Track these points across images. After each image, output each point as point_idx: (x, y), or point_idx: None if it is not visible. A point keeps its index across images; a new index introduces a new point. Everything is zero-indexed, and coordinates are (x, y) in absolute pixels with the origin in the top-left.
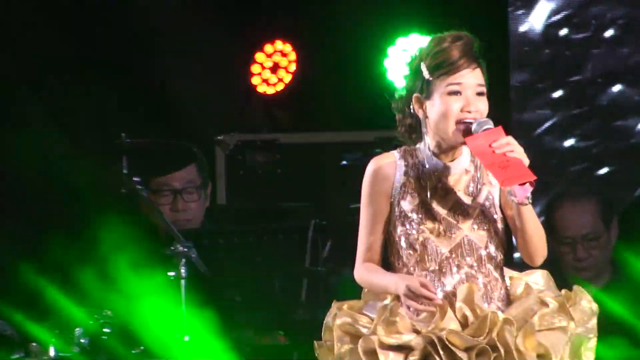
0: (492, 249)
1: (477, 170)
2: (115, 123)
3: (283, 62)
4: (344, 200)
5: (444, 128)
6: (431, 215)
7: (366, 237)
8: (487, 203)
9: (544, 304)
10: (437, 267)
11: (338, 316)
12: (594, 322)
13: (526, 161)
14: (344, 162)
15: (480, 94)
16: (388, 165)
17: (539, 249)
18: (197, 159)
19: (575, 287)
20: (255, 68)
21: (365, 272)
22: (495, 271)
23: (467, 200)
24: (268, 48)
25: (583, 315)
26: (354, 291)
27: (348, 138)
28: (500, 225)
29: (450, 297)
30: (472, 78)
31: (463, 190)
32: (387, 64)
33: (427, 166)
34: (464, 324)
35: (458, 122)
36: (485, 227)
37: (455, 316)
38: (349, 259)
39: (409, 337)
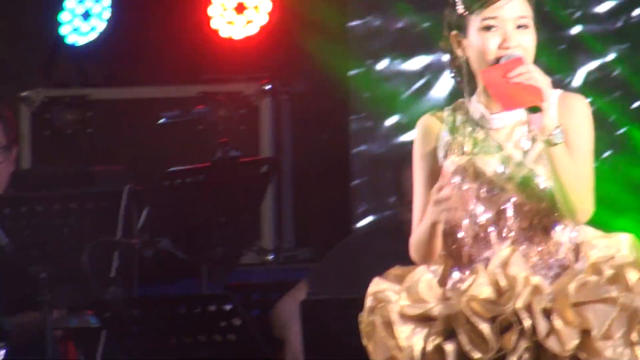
0: (545, 212)
1: (526, 123)
2: None
3: (96, 7)
4: (162, 163)
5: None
6: (474, 176)
7: (419, 203)
8: (542, 159)
9: (597, 272)
10: (482, 234)
11: (375, 283)
12: None
13: (547, 89)
14: (161, 120)
15: (522, 26)
16: (434, 123)
17: (576, 200)
18: (3, 119)
19: None
20: (65, 15)
21: (413, 236)
22: (549, 236)
23: (518, 156)
24: None
25: None
26: (172, 265)
27: (167, 94)
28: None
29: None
30: (510, 9)
31: (514, 145)
32: (211, 11)
33: (476, 118)
34: (498, 290)
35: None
36: (542, 185)
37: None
38: (165, 228)
39: (433, 306)
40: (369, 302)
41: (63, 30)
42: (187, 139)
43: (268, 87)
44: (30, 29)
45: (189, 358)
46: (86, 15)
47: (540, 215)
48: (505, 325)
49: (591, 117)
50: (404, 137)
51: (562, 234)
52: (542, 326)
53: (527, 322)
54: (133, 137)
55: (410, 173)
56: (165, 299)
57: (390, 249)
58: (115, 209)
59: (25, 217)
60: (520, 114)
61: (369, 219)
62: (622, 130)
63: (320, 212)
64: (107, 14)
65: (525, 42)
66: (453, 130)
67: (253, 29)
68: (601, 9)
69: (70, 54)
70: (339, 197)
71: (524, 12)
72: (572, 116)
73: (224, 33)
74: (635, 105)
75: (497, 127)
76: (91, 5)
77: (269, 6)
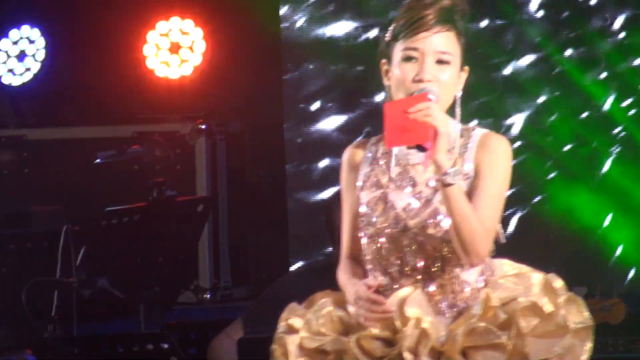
0: (448, 249)
1: (450, 159)
2: None
3: (31, 49)
4: (99, 202)
5: None
6: (385, 210)
7: (347, 231)
8: None
9: (490, 316)
10: (390, 269)
11: (288, 309)
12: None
13: (442, 129)
14: (98, 160)
15: (442, 61)
16: (357, 153)
17: (467, 243)
18: None
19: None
20: (0, 56)
21: (341, 273)
22: (453, 274)
23: (428, 193)
24: (14, 34)
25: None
26: (108, 304)
27: (103, 134)
28: None
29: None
30: (432, 43)
31: (425, 183)
32: (146, 51)
33: (394, 151)
34: (393, 330)
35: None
36: (445, 225)
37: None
38: (103, 268)
39: (327, 341)
40: (279, 328)
41: None
42: (124, 178)
43: (203, 126)
44: None
45: None
46: (21, 57)
47: (442, 254)
48: None
49: (509, 159)
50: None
51: (469, 273)
52: None
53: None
54: (70, 177)
55: (339, 212)
56: (104, 337)
57: (323, 287)
58: (53, 249)
59: None
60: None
61: (304, 259)
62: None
63: (256, 250)
64: (42, 55)
65: (443, 78)
66: (373, 162)
67: (188, 69)
68: (531, 57)
69: (5, 95)
70: (275, 236)
71: (448, 48)
72: (488, 156)
73: (159, 72)
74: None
75: (413, 163)
76: (26, 47)
77: (202, 46)
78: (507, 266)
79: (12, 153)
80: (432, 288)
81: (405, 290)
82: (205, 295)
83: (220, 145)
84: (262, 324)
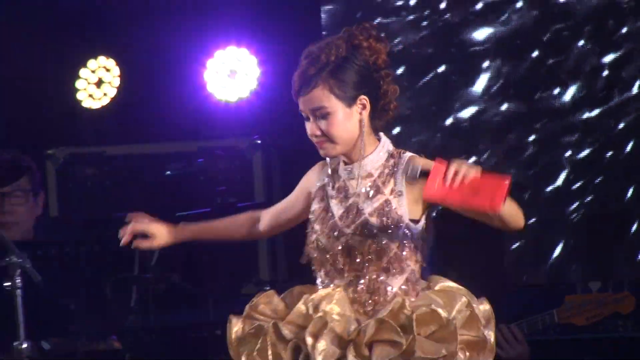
0: (375, 255)
1: (380, 176)
2: None
3: (107, 77)
4: (169, 208)
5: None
6: (325, 218)
7: (277, 206)
8: (381, 211)
9: (395, 318)
10: (328, 269)
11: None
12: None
13: (478, 174)
14: (168, 172)
15: (320, 116)
16: (318, 168)
17: (519, 225)
18: (29, 171)
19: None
20: (80, 83)
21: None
22: (379, 278)
23: (360, 205)
24: (92, 64)
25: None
26: (181, 297)
27: (172, 149)
28: (395, 233)
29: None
30: (306, 103)
31: (361, 196)
32: (207, 77)
33: (338, 170)
34: (308, 318)
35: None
36: (370, 233)
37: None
38: (176, 265)
39: (259, 323)
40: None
41: (80, 96)
42: (191, 188)
43: (259, 142)
44: (52, 94)
45: None
46: (99, 83)
47: (369, 259)
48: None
49: None
50: None
51: (394, 279)
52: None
53: (309, 342)
54: (144, 187)
55: None
56: (178, 326)
57: None
58: (132, 250)
59: (56, 257)
60: (366, 166)
61: None
62: None
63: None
64: (117, 82)
65: (323, 128)
66: (326, 178)
67: (244, 92)
68: None
69: (86, 117)
70: None
71: (318, 103)
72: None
73: (219, 96)
74: None
75: (350, 177)
76: (103, 75)
77: (257, 72)
78: (440, 282)
79: (94, 167)
80: (360, 287)
81: (328, 289)
82: (265, 287)
83: (274, 157)
84: None
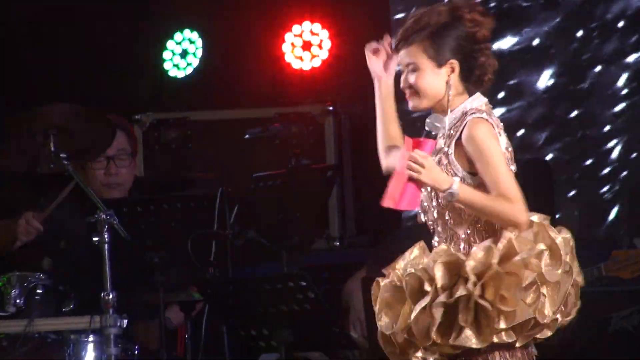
0: (440, 213)
1: (449, 136)
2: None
3: (191, 48)
4: (248, 169)
5: None
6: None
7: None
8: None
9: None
10: (431, 226)
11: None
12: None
13: (423, 177)
14: (247, 136)
15: (411, 70)
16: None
17: (504, 220)
18: (125, 129)
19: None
20: (166, 54)
21: None
22: (444, 234)
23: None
24: (177, 36)
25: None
26: (257, 251)
27: (250, 115)
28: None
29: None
30: (403, 57)
31: (440, 152)
32: (284, 48)
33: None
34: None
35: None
36: (434, 194)
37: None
38: (252, 222)
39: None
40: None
41: (166, 66)
42: (267, 150)
43: (330, 108)
44: (141, 64)
45: (274, 327)
46: (184, 54)
47: (450, 220)
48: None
49: (487, 137)
50: None
51: (459, 229)
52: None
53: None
54: (224, 150)
55: None
56: (254, 278)
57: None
58: (211, 207)
59: (141, 215)
60: (445, 124)
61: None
62: None
63: (376, 207)
64: (200, 53)
65: (411, 81)
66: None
67: (317, 62)
68: None
69: (172, 85)
70: None
71: (411, 58)
72: (468, 145)
73: (295, 65)
74: None
75: (439, 135)
76: (187, 46)
77: (329, 44)
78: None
79: (178, 131)
80: (443, 235)
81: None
82: (335, 243)
83: (344, 123)
84: (381, 266)
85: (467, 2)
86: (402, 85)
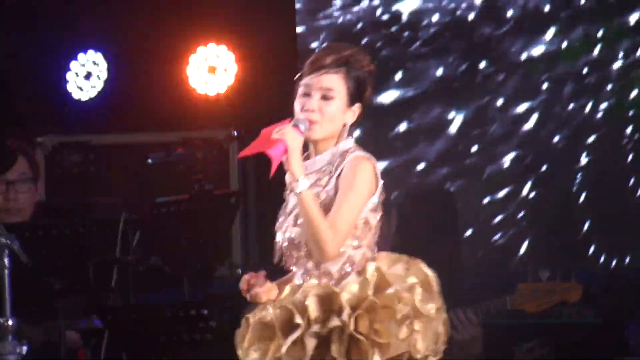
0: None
1: (328, 173)
2: None
3: (95, 70)
4: (150, 195)
5: None
6: (284, 210)
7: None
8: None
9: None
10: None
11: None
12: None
13: (288, 142)
14: (150, 161)
15: (324, 97)
16: None
17: (313, 241)
18: (26, 154)
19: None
20: (70, 76)
21: None
22: (319, 265)
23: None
24: (81, 57)
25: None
26: (160, 278)
27: (153, 139)
28: None
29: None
30: (319, 81)
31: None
32: (189, 71)
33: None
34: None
35: None
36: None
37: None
38: (155, 248)
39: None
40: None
41: (69, 87)
42: (170, 175)
43: (235, 133)
44: (42, 86)
45: (174, 355)
46: (88, 76)
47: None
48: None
49: (365, 177)
50: None
51: (333, 264)
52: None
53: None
54: (127, 175)
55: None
56: (155, 305)
57: None
58: (114, 233)
59: (42, 239)
60: (322, 163)
61: None
62: None
63: None
64: (105, 75)
65: (324, 109)
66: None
67: (222, 87)
68: None
69: (75, 108)
70: None
71: (328, 85)
72: (345, 174)
73: (199, 90)
74: None
75: (307, 171)
76: (91, 68)
77: (234, 68)
78: (381, 260)
79: (80, 155)
80: (313, 276)
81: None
82: (237, 270)
83: None
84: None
85: (368, 56)
86: (307, 108)
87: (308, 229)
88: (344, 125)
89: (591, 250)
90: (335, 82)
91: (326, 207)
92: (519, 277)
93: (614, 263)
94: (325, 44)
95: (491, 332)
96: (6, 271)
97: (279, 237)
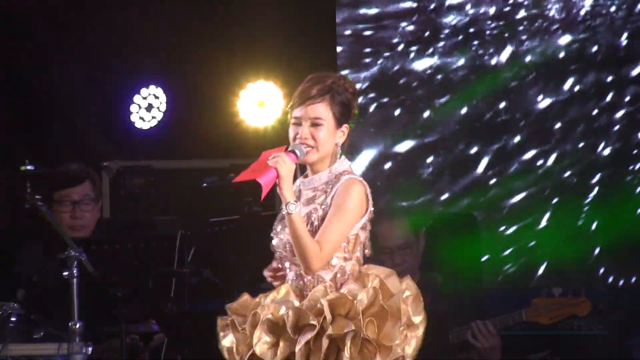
0: None
1: (324, 192)
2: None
3: (156, 102)
4: (204, 214)
5: None
6: (280, 220)
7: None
8: (312, 217)
9: (312, 305)
10: (281, 265)
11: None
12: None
13: (280, 170)
14: (204, 184)
15: (314, 124)
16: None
17: (300, 256)
18: (91, 177)
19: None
20: (133, 107)
21: None
22: (313, 278)
23: (304, 210)
24: (144, 91)
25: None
26: (211, 288)
27: (208, 165)
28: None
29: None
30: (309, 112)
31: (304, 203)
32: (239, 105)
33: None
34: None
35: None
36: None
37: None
38: (207, 262)
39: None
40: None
41: (132, 118)
42: (223, 198)
43: None
44: (109, 117)
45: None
46: (149, 108)
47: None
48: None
49: (356, 199)
50: None
51: (325, 273)
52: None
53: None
54: (184, 196)
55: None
56: (206, 312)
57: None
58: (172, 248)
59: (107, 253)
60: (318, 182)
61: None
62: None
63: None
64: (164, 107)
65: (316, 135)
66: (296, 187)
67: (270, 120)
68: None
69: (138, 136)
70: None
71: (317, 114)
72: (337, 195)
73: (249, 122)
74: None
75: (303, 188)
76: (152, 101)
77: (282, 103)
78: (374, 270)
79: (142, 178)
80: (306, 279)
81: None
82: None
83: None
84: None
85: (350, 81)
86: (301, 136)
87: (296, 246)
88: (336, 145)
89: (601, 271)
90: (322, 111)
91: (321, 222)
92: (534, 293)
93: (621, 282)
94: (310, 76)
95: (509, 342)
96: (75, 280)
97: (275, 242)
